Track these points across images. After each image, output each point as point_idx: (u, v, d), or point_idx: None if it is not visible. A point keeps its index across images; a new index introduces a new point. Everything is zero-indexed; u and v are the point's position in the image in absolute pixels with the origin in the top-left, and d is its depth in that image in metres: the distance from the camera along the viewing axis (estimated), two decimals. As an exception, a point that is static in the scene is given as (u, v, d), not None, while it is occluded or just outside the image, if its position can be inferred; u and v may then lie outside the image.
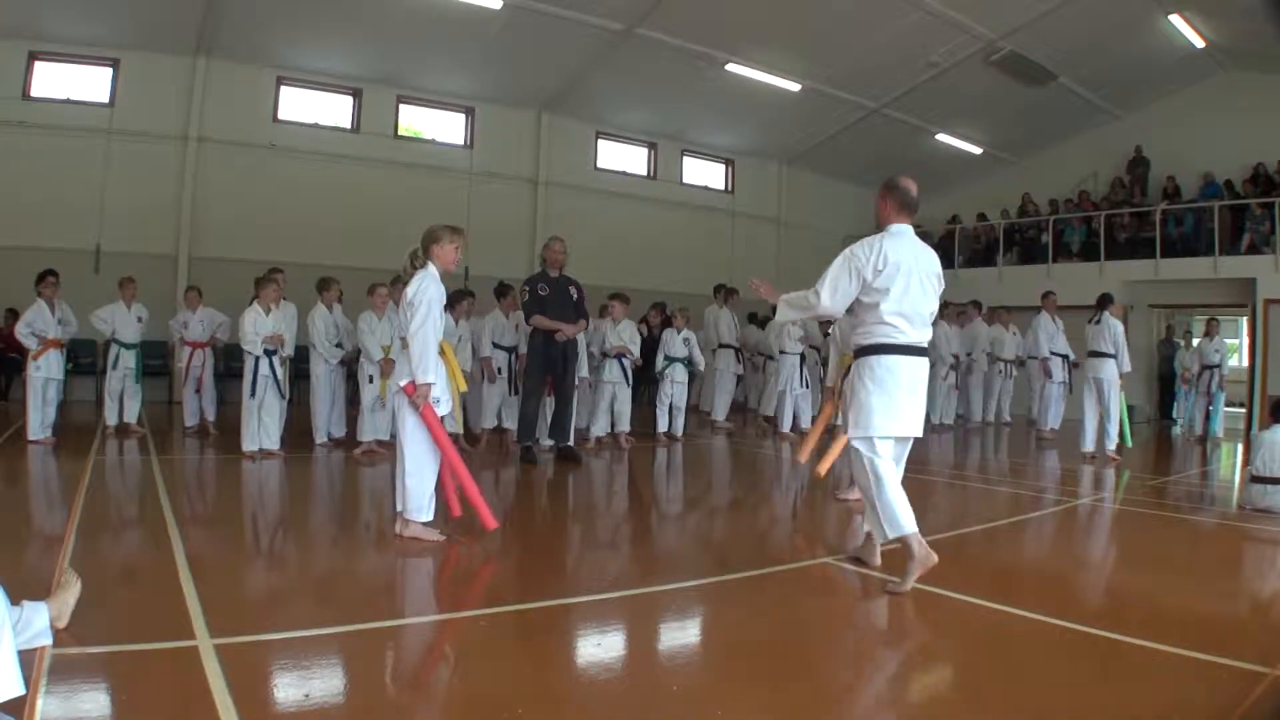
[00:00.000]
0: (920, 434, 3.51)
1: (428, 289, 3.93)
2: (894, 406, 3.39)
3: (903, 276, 3.39)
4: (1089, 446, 7.79)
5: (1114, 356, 7.69)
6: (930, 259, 3.53)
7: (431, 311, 3.91)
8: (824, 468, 5.38)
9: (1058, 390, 9.89)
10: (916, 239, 3.54)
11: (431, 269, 4.04)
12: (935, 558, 3.26)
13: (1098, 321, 7.83)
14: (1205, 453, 9.57)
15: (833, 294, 3.41)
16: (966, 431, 10.89)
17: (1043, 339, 9.75)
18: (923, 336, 3.48)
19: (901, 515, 3.33)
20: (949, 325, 11.23)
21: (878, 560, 3.62)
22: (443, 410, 4.04)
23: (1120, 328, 7.79)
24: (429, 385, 3.89)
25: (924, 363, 3.50)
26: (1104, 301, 7.92)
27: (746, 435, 9.57)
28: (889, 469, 3.42)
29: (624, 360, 7.88)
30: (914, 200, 3.54)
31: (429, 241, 4.09)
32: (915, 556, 3.27)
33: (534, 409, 6.84)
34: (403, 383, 3.92)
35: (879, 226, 3.54)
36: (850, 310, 3.52)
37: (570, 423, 7.12)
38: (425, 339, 3.89)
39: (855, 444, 3.45)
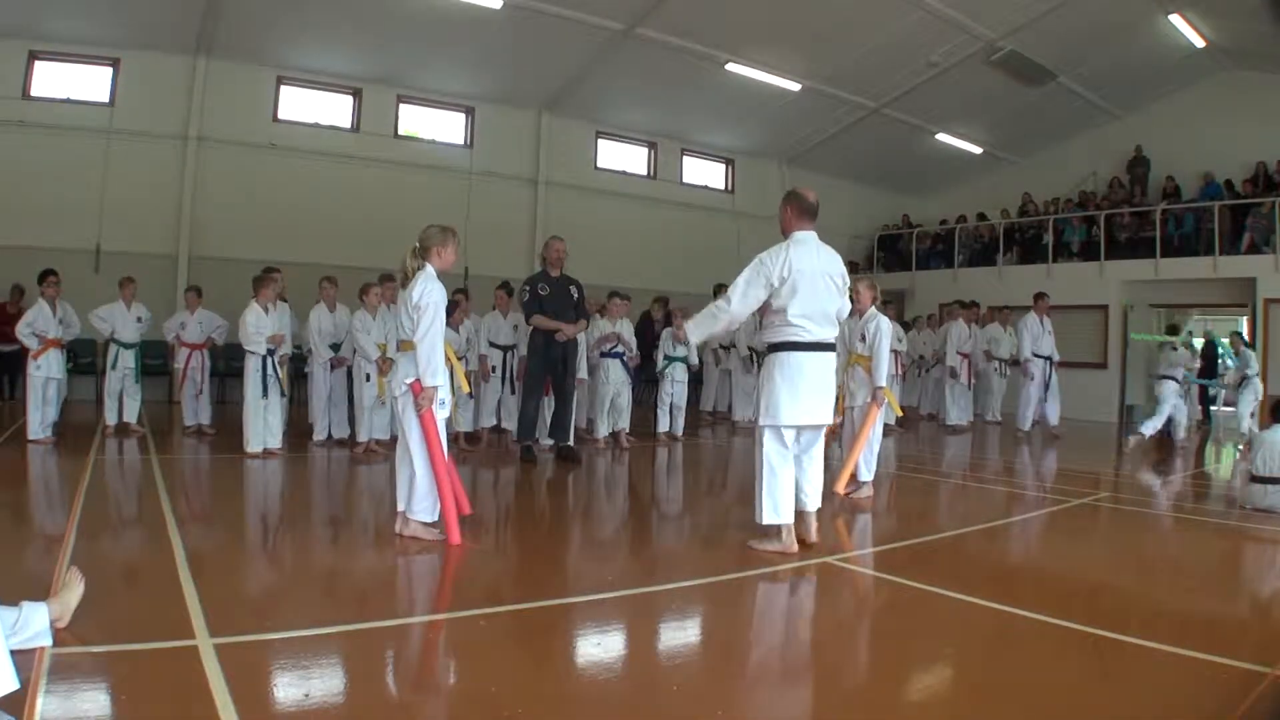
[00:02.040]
0: (828, 422, 3.93)
1: (432, 292, 3.94)
2: (799, 398, 3.77)
3: (807, 280, 3.73)
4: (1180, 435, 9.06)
5: (1177, 380, 8.77)
6: (833, 261, 3.87)
7: (438, 314, 3.93)
8: (843, 487, 5.39)
9: (1035, 391, 10.09)
10: (819, 243, 3.87)
11: (430, 270, 4.03)
12: (795, 549, 3.80)
13: (1175, 348, 8.96)
14: (1205, 453, 9.57)
15: (742, 299, 3.76)
16: (961, 430, 10.88)
17: (1026, 340, 10.04)
18: (828, 334, 3.84)
19: (782, 506, 3.79)
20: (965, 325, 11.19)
21: (813, 535, 3.97)
22: (445, 412, 4.04)
23: (1184, 354, 8.94)
24: (436, 387, 3.89)
25: (830, 358, 3.89)
26: (1174, 330, 9.38)
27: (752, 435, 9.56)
28: (783, 460, 3.81)
29: (625, 360, 7.88)
30: (812, 206, 3.87)
31: (429, 243, 4.08)
32: (783, 541, 3.81)
33: (534, 409, 6.84)
34: (409, 381, 3.92)
35: (783, 233, 3.87)
36: (761, 312, 3.91)
37: (570, 422, 7.12)
38: (434, 342, 3.90)
39: (762, 430, 3.83)
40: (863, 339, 5.53)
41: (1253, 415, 10.45)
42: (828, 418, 3.90)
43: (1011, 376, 11.52)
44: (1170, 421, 8.83)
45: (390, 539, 3.97)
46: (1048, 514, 5.46)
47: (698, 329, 3.96)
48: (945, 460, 8.31)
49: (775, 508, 3.80)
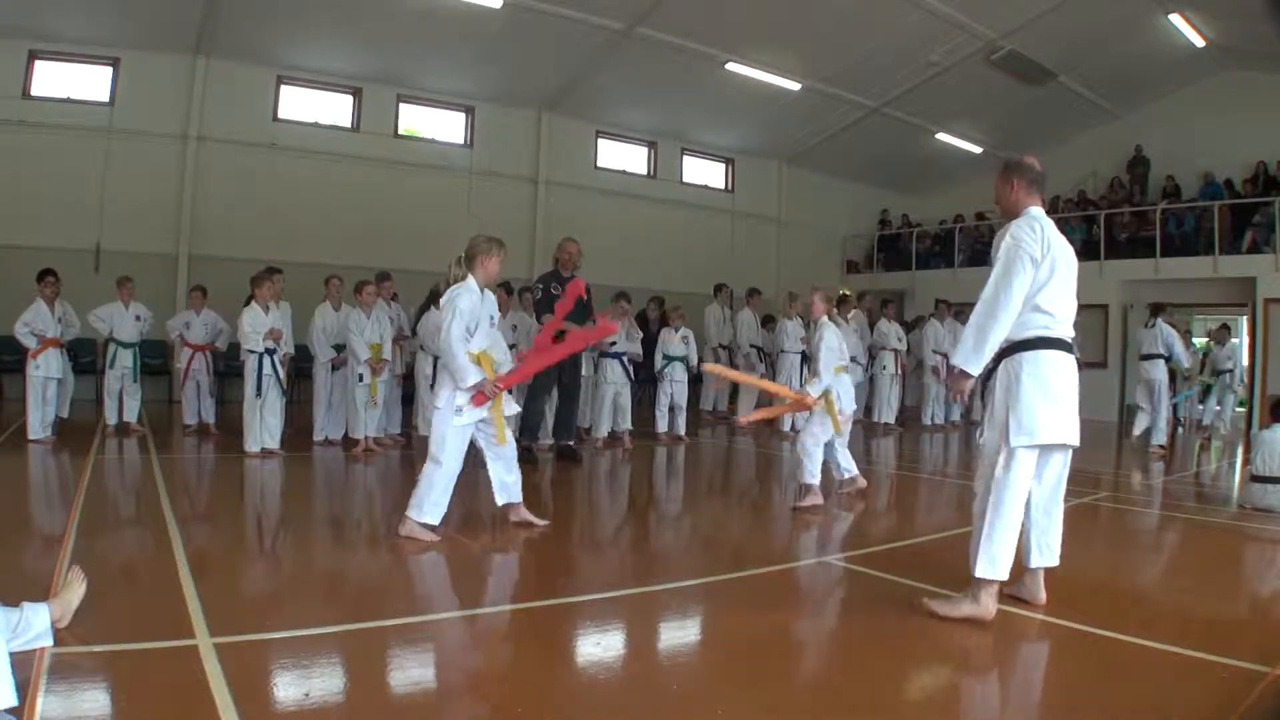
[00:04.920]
0: (1078, 444, 3.08)
1: (455, 300, 3.97)
2: (1057, 409, 2.98)
3: (1064, 261, 3.01)
4: (1139, 432, 8.62)
5: (1166, 359, 8.48)
6: (1069, 245, 3.14)
7: (454, 317, 3.93)
8: (746, 418, 5.74)
9: None
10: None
11: (470, 281, 4.06)
12: (993, 613, 2.95)
13: (1151, 326, 8.60)
14: (1205, 452, 9.57)
15: (1010, 290, 2.91)
16: (959, 429, 10.89)
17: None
18: (1070, 331, 3.08)
19: (1004, 557, 2.91)
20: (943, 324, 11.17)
21: (1042, 596, 3.13)
22: (463, 420, 4.05)
23: (1172, 333, 8.55)
24: (478, 383, 3.94)
25: (1075, 363, 3.11)
26: (1157, 309, 8.81)
27: (760, 435, 9.55)
28: (1017, 496, 2.97)
29: (624, 360, 7.90)
30: (1042, 176, 3.16)
31: (475, 253, 4.10)
32: (981, 604, 2.94)
33: (540, 409, 6.86)
34: (461, 400, 3.97)
35: (1008, 213, 3.13)
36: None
37: (574, 421, 7.14)
38: (448, 348, 3.93)
39: (1009, 453, 2.96)
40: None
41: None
42: (1078, 437, 3.08)
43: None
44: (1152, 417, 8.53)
45: (389, 538, 3.97)
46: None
47: (975, 354, 2.97)
48: (948, 461, 8.31)
49: (995, 558, 2.92)
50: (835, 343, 5.30)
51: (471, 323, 4.01)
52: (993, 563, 2.92)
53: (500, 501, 4.25)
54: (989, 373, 3.10)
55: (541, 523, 4.31)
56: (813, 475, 5.18)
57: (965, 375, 3.00)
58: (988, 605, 2.94)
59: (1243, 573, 4.26)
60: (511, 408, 4.37)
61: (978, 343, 2.95)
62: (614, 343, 7.86)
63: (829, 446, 5.39)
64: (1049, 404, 2.95)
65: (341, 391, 7.27)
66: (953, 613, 2.96)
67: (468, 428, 4.06)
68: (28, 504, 4.99)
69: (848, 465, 5.57)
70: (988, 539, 2.93)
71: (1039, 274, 2.93)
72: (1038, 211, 3.08)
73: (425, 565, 3.71)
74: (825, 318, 5.42)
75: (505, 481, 4.24)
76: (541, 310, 6.71)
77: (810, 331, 5.57)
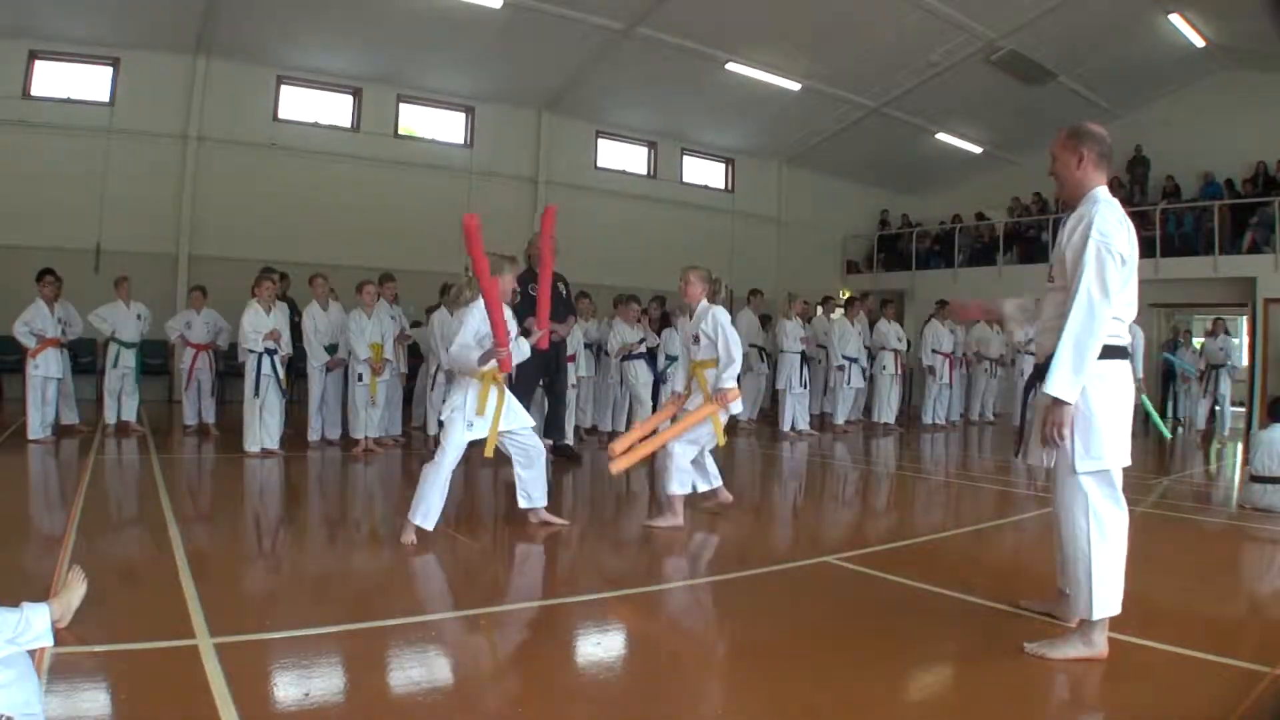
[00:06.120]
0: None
1: (465, 318, 4.11)
2: (1126, 428, 2.65)
3: (1135, 260, 2.63)
4: None
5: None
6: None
7: (464, 332, 4.05)
8: (620, 466, 4.52)
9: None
10: None
11: (480, 301, 4.07)
12: (1106, 653, 2.61)
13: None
14: (1205, 452, 9.57)
15: (1116, 295, 2.54)
16: (959, 429, 10.90)
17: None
18: (1129, 336, 2.73)
19: (1116, 592, 2.58)
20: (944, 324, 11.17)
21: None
22: (476, 434, 4.11)
23: (1139, 334, 8.27)
24: (494, 357, 4.00)
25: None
26: None
27: (761, 435, 9.56)
28: (1122, 522, 2.62)
29: (649, 359, 8.13)
30: (1111, 150, 2.72)
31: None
32: (1092, 643, 2.60)
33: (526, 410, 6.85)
34: (471, 416, 4.08)
35: (1070, 191, 2.73)
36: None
37: (564, 421, 7.13)
38: (455, 357, 4.08)
39: (1085, 480, 2.61)
40: (697, 340, 4.62)
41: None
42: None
43: (1003, 376, 11.59)
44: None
45: (386, 538, 3.97)
46: (1044, 514, 5.45)
47: (1076, 377, 2.53)
48: (949, 461, 8.31)
49: (1110, 595, 2.58)
50: (727, 321, 4.62)
51: (483, 336, 4.04)
52: (1107, 600, 2.58)
53: (522, 505, 4.31)
54: (1033, 383, 2.79)
55: (561, 522, 4.37)
56: (681, 486, 4.52)
57: (1064, 405, 2.54)
58: (1099, 644, 2.62)
59: (1243, 573, 4.26)
60: (528, 419, 4.41)
61: (1078, 364, 2.51)
62: (643, 339, 7.96)
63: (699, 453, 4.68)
64: (1117, 424, 2.63)
65: (335, 392, 7.25)
66: (1062, 655, 2.61)
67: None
68: (28, 504, 4.99)
69: (714, 472, 4.89)
70: (1098, 577, 2.57)
71: (1121, 274, 2.55)
72: (1108, 195, 2.67)
73: (424, 565, 3.71)
74: (705, 301, 4.69)
75: (527, 483, 4.30)
76: (524, 313, 6.54)
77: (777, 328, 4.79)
